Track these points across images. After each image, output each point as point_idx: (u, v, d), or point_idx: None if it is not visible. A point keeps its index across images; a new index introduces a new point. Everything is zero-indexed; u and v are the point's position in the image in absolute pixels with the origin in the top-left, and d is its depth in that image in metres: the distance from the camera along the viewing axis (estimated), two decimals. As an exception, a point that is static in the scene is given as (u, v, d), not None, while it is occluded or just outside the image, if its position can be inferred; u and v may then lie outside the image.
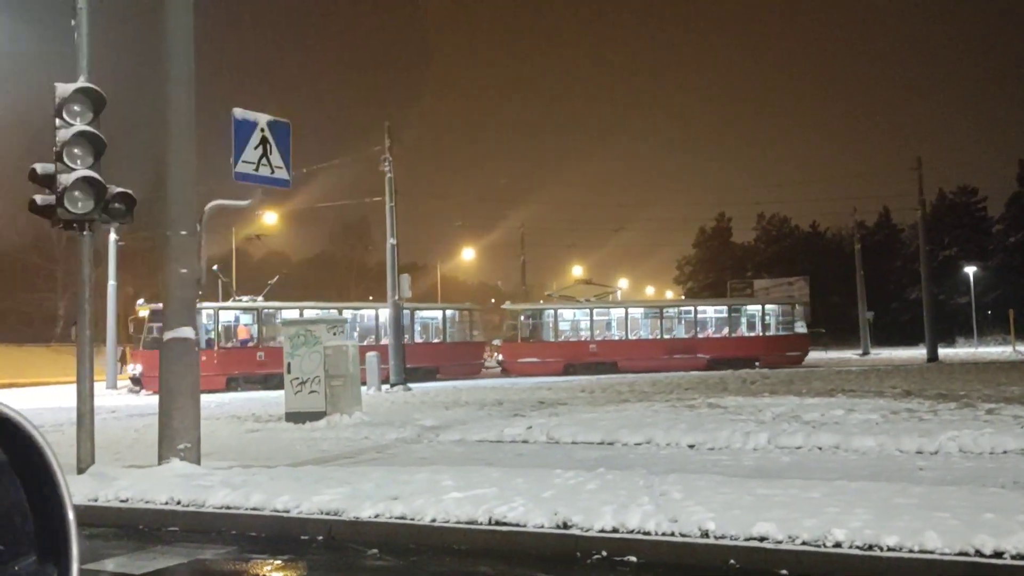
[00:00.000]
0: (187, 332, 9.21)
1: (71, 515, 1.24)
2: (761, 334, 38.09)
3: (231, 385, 29.01)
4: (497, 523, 6.37)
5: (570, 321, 37.94)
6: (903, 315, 63.50)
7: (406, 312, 32.55)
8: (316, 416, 14.81)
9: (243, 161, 9.64)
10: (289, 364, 15.51)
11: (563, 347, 36.50)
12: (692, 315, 38.21)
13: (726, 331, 38.02)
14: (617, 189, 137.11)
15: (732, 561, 5.57)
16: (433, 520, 6.55)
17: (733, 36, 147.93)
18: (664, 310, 38.75)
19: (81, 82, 8.86)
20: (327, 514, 6.94)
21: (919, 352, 43.60)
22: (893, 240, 74.81)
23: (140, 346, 29.14)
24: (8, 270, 58.04)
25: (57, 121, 8.69)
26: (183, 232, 9.26)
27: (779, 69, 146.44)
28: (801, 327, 39.37)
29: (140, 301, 31.31)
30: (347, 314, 31.76)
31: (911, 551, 5.19)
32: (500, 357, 38.30)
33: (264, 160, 9.80)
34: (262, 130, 9.81)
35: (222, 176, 10.21)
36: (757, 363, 36.00)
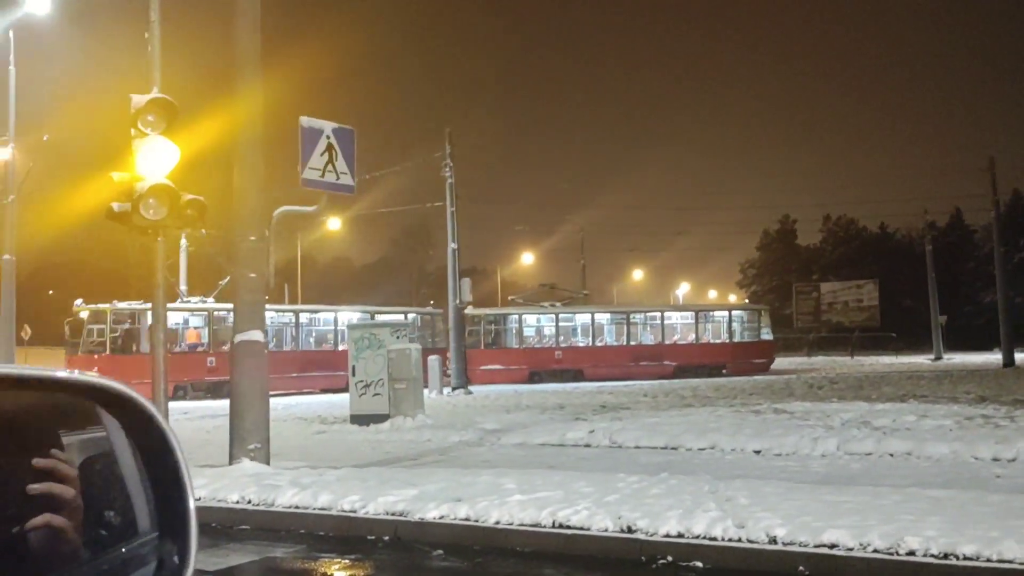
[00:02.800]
0: (257, 335, 9.43)
1: (191, 497, 1.28)
2: (728, 341, 36.96)
3: (177, 393, 25.22)
4: (561, 526, 6.37)
5: (535, 327, 36.53)
6: (977, 319, 61.51)
7: (366, 316, 31.94)
8: (380, 418, 15.00)
9: (310, 168, 9.84)
10: (354, 367, 15.75)
11: (527, 354, 34.97)
12: (659, 322, 37.05)
13: (692, 338, 36.96)
14: (679, 192, 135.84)
15: (801, 568, 5.48)
16: (497, 522, 6.58)
17: (797, 38, 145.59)
18: (631, 316, 37.51)
19: (155, 93, 9.14)
20: (393, 515, 7.03)
21: (994, 357, 42.18)
22: (966, 241, 72.51)
23: (79, 351, 26.19)
24: (83, 276, 60.11)
25: (132, 131, 8.97)
26: (252, 238, 9.48)
27: (844, 69, 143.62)
28: (767, 334, 38.02)
29: (78, 301, 27.85)
30: (304, 317, 31.22)
31: (989, 560, 5.05)
32: None
33: (330, 167, 10.00)
34: (328, 137, 10.00)
35: (289, 182, 10.45)
36: (724, 371, 35.01)
